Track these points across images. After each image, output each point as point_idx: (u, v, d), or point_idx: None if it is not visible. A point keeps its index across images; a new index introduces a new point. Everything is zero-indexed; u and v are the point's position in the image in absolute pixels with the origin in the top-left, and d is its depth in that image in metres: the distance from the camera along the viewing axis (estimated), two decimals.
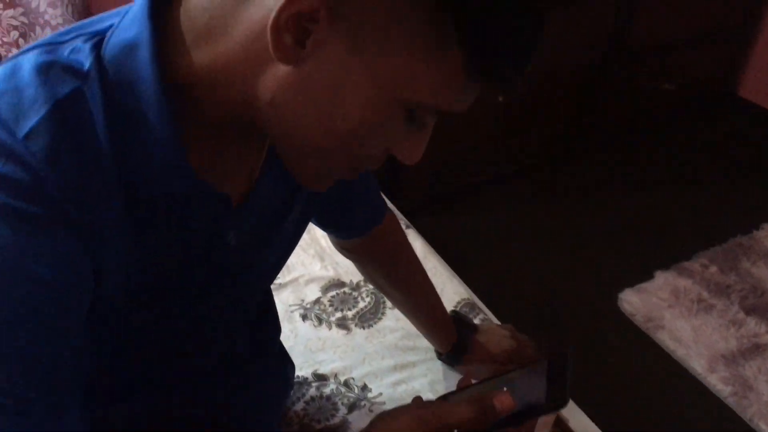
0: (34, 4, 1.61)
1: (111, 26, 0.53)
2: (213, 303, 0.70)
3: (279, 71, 0.50)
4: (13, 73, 0.50)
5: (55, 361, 0.51)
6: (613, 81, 2.42)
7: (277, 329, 0.92)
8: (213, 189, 0.58)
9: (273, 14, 0.47)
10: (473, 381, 0.72)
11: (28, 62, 0.50)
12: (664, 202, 2.31)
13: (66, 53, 0.51)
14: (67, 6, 1.65)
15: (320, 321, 1.19)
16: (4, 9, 1.58)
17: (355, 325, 1.18)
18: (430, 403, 0.62)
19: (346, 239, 0.97)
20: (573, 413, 1.10)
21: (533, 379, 0.65)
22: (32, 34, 1.64)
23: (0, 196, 0.46)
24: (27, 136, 0.47)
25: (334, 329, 1.17)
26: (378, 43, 0.49)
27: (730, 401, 1.62)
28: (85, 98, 0.50)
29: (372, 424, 0.60)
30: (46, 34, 1.65)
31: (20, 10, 1.60)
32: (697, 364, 1.70)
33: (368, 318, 1.19)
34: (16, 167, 0.47)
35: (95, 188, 0.50)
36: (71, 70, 0.50)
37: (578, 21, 2.16)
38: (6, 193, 0.46)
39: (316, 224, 0.91)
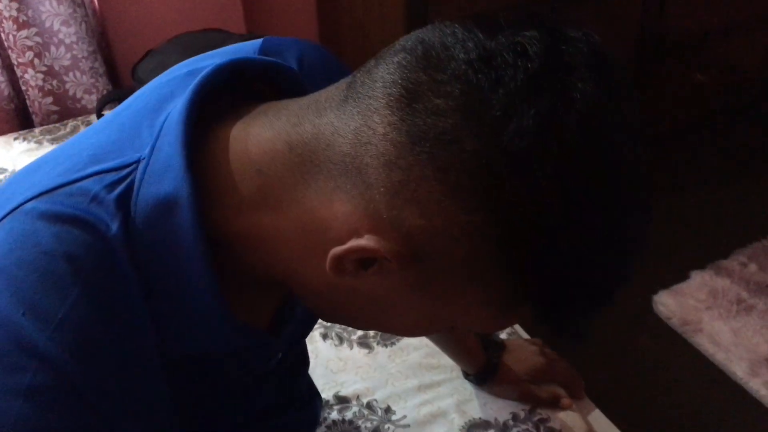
0: (47, 24, 1.60)
1: (136, 162, 0.46)
2: (246, 401, 0.67)
3: (330, 276, 0.46)
4: (30, 237, 0.43)
5: None
6: (646, 76, 2.35)
7: (307, 367, 0.89)
8: (259, 337, 0.55)
9: (337, 249, 0.43)
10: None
11: (42, 221, 0.43)
12: (700, 200, 2.23)
13: (85, 204, 0.45)
14: (81, 24, 1.64)
15: (341, 340, 1.15)
16: (18, 30, 1.58)
17: (377, 343, 1.14)
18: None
19: None
20: (607, 430, 1.05)
21: None
22: (47, 53, 1.63)
23: (38, 411, 0.41)
24: (57, 328, 0.42)
25: (356, 348, 1.14)
26: (445, 290, 0.46)
27: None
28: (114, 268, 0.44)
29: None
30: (60, 54, 1.64)
31: (34, 30, 1.60)
32: (738, 368, 1.63)
33: (390, 336, 1.15)
34: (50, 375, 0.41)
35: (134, 367, 0.46)
36: (97, 232, 0.44)
37: (607, 15, 2.10)
38: (43, 405, 0.41)
39: None
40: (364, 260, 0.44)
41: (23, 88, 1.70)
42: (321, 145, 0.44)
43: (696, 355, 1.70)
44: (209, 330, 0.48)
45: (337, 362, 1.11)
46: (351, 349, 1.14)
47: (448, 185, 0.41)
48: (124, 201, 0.45)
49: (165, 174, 0.45)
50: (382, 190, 0.42)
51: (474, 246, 0.42)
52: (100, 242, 0.43)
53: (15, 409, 0.40)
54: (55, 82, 1.69)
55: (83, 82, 1.71)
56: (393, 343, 1.14)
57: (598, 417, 1.07)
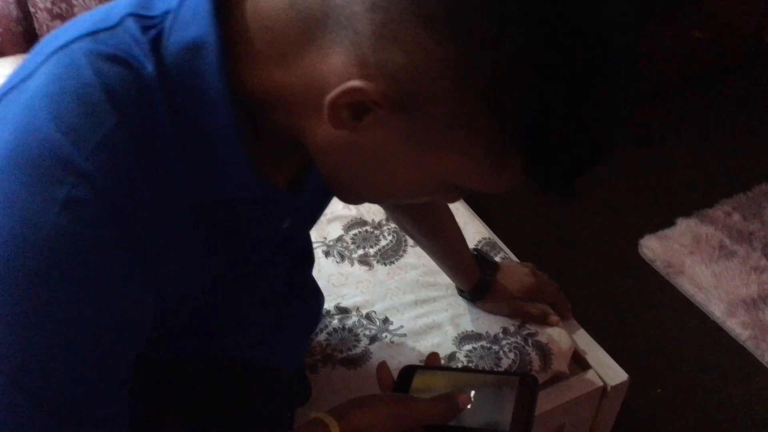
0: None
1: (166, 12, 0.49)
2: (264, 273, 0.72)
3: (331, 128, 0.50)
4: (73, 69, 0.47)
5: (112, 378, 0.51)
6: (644, 31, 2.38)
7: (312, 263, 0.94)
8: (277, 190, 0.59)
9: (331, 93, 0.46)
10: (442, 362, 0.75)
11: (86, 57, 0.47)
12: (690, 152, 2.29)
13: (123, 43, 0.48)
14: None
15: (342, 257, 1.21)
16: None
17: (377, 262, 1.20)
18: (401, 397, 0.64)
19: None
20: (591, 347, 1.12)
21: (500, 393, 0.67)
22: None
23: (73, 221, 0.45)
24: (95, 151, 0.45)
25: (357, 265, 1.19)
26: (437, 139, 0.49)
27: (749, 344, 1.63)
28: (150, 105, 0.48)
29: (345, 410, 0.61)
30: None
31: None
32: (716, 309, 1.71)
33: (390, 255, 1.21)
34: (87, 190, 0.45)
35: (164, 202, 0.49)
36: (134, 70, 0.47)
37: None
38: (79, 217, 0.45)
39: None
40: (357, 108, 0.47)
41: (32, 10, 1.71)
42: (317, 1, 0.47)
43: (677, 296, 1.78)
44: (230, 173, 0.52)
45: (339, 277, 1.17)
46: (352, 266, 1.19)
47: (423, 17, 0.44)
48: (156, 45, 0.48)
49: (193, 20, 0.47)
50: (368, 34, 0.45)
51: (454, 86, 0.45)
52: (137, 79, 0.47)
53: (51, 217, 0.43)
54: (63, 6, 1.70)
55: (91, 6, 1.72)
56: (392, 262, 1.20)
57: (582, 335, 1.14)
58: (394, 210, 1.03)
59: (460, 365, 1.02)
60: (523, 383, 0.67)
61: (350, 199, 0.62)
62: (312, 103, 0.49)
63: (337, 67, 0.47)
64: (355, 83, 0.46)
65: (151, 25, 0.49)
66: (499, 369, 1.01)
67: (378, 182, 0.53)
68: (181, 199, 0.51)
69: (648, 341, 1.67)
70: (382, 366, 0.70)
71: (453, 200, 0.60)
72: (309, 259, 0.92)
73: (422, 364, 0.74)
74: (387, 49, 0.45)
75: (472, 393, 0.67)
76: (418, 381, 0.70)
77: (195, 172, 0.51)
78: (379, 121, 0.48)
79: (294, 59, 0.48)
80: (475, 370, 0.74)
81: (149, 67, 0.47)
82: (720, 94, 2.57)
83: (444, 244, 1.05)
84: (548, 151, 0.48)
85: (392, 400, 0.62)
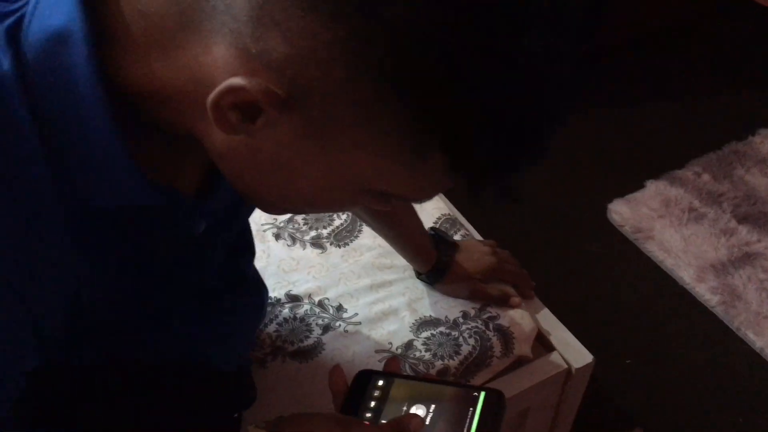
0: None
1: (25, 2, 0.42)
2: (188, 274, 0.66)
3: (222, 133, 0.43)
4: None
5: None
6: None
7: (252, 255, 0.87)
8: (178, 195, 0.52)
9: (212, 95, 0.40)
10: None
11: None
12: (657, 112, 2.23)
13: None
14: None
15: (294, 240, 1.14)
16: None
17: (331, 244, 1.13)
18: (345, 420, 0.59)
19: None
20: (555, 328, 1.07)
21: (462, 409, 0.62)
22: None
23: None
24: None
25: (309, 248, 1.13)
26: (340, 139, 0.42)
27: (718, 310, 1.60)
28: (6, 108, 0.41)
29: (282, 426, 0.57)
30: None
31: None
32: (686, 274, 1.67)
33: (344, 236, 1.15)
34: None
35: (27, 214, 0.43)
36: None
37: None
38: None
39: None
40: (245, 110, 0.41)
41: None
42: None
43: (647, 262, 1.74)
44: (113, 180, 0.46)
45: (290, 261, 1.10)
46: (304, 249, 1.13)
47: None
48: (14, 35, 0.41)
49: (56, 6, 0.41)
50: (245, 19, 0.39)
51: (347, 74, 0.39)
52: None
53: None
54: None
55: None
56: (346, 244, 1.13)
57: (546, 315, 1.09)
58: None
59: (417, 354, 0.97)
60: (489, 398, 0.62)
61: (267, 209, 0.55)
62: (200, 103, 0.42)
63: (221, 60, 0.40)
64: (235, 81, 0.39)
65: (7, 12, 0.41)
66: (457, 360, 0.97)
67: (289, 191, 0.47)
68: (52, 216, 0.44)
69: (617, 309, 1.63)
70: (336, 370, 0.64)
71: (384, 208, 0.51)
72: (248, 250, 0.85)
73: (380, 370, 0.68)
74: (267, 37, 0.38)
75: (432, 406, 0.63)
76: (373, 389, 0.65)
77: (70, 180, 0.44)
78: (273, 121, 0.41)
79: (174, 50, 0.42)
80: (438, 381, 0.69)
81: (4, 63, 0.40)
82: (688, 51, 2.51)
83: (398, 227, 0.99)
84: (466, 137, 0.41)
85: (335, 422, 0.56)
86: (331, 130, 0.42)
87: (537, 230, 1.80)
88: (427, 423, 0.61)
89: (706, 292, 1.63)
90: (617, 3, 2.36)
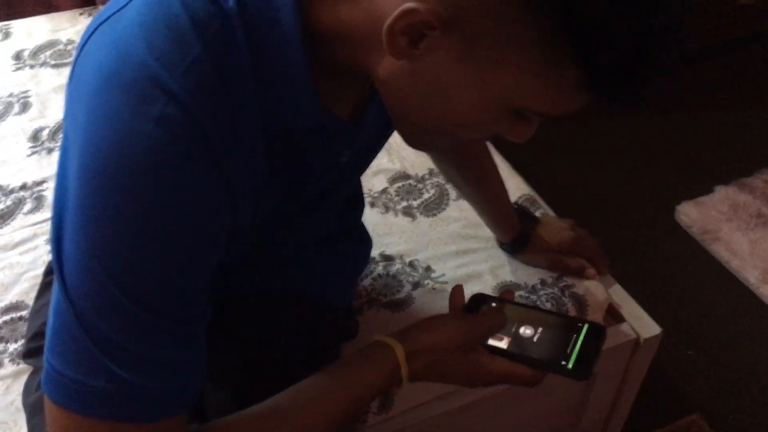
0: None
1: None
2: (321, 208, 0.76)
3: (393, 59, 0.53)
4: (164, 1, 0.51)
5: (195, 283, 0.56)
6: None
7: (362, 207, 0.99)
8: (339, 120, 0.62)
9: (389, 20, 0.49)
10: (513, 299, 0.78)
11: None
12: (730, 120, 2.28)
13: None
14: None
15: (387, 208, 1.25)
16: None
17: (420, 213, 1.24)
18: (463, 316, 0.71)
19: None
20: (625, 301, 1.15)
21: (567, 334, 0.69)
22: None
23: (165, 135, 0.48)
24: (183, 74, 0.49)
25: (400, 216, 1.24)
26: (490, 55, 0.50)
27: None
28: (231, 36, 0.51)
29: (408, 332, 0.68)
30: None
31: None
32: (751, 275, 1.72)
33: (432, 208, 1.25)
34: (176, 108, 0.49)
35: (241, 126, 0.53)
36: (217, 5, 0.51)
37: None
38: (170, 132, 0.49)
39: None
40: (413, 35, 0.50)
41: None
42: None
43: (713, 262, 1.79)
44: (300, 103, 0.56)
45: (383, 227, 1.21)
46: (396, 216, 1.24)
47: None
48: None
49: None
50: None
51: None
52: (219, 12, 0.51)
53: (147, 131, 0.48)
54: None
55: None
56: (434, 215, 1.24)
57: (617, 290, 1.17)
58: (441, 159, 1.07)
59: None
60: (591, 329, 0.69)
61: (415, 137, 0.64)
62: (374, 36, 0.52)
63: None
64: (409, 5, 0.48)
65: None
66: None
67: (441, 110, 0.55)
68: (255, 124, 0.55)
69: (681, 304, 1.69)
70: (457, 288, 0.76)
71: (524, 134, 0.59)
72: (360, 202, 0.97)
73: (496, 296, 0.77)
74: None
75: (540, 329, 0.69)
76: (487, 309, 0.74)
77: (268, 100, 0.55)
78: (434, 44, 0.50)
79: None
80: (545, 311, 0.78)
81: (231, 2, 0.51)
82: (764, 60, 2.54)
83: (487, 194, 1.09)
84: (598, 48, 0.48)
85: (453, 319, 0.67)
86: (484, 49, 0.50)
87: (608, 224, 1.88)
88: (534, 341, 0.68)
89: None
90: (701, 10, 2.42)
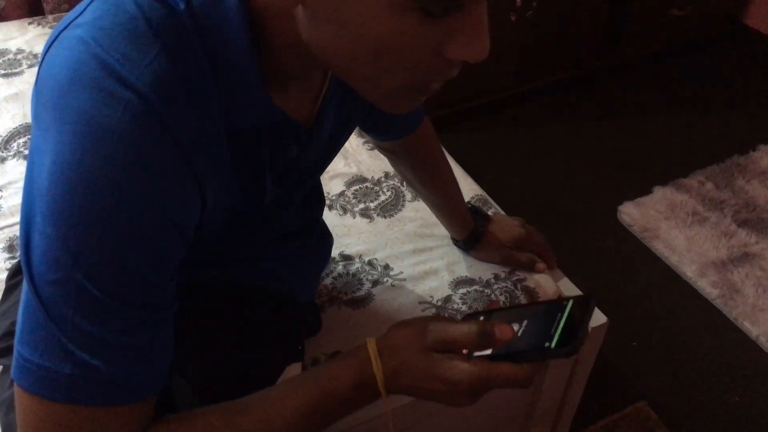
0: None
1: None
2: (277, 206, 0.79)
3: (298, 13, 0.55)
4: (119, 6, 0.53)
5: (164, 272, 0.58)
6: (628, 5, 2.48)
7: (323, 205, 1.02)
8: (286, 115, 0.64)
9: None
10: (501, 305, 0.74)
11: None
12: (667, 124, 2.40)
13: None
14: None
15: (345, 210, 1.29)
16: None
17: (377, 215, 1.28)
18: (436, 317, 0.67)
19: (385, 141, 1.06)
20: (574, 294, 1.21)
21: (551, 317, 0.63)
22: None
23: (133, 126, 0.51)
24: (143, 72, 0.51)
25: (358, 218, 1.28)
26: None
27: (718, 303, 1.74)
28: (185, 37, 0.54)
29: (387, 331, 0.66)
30: None
31: None
32: (689, 270, 1.82)
33: (389, 209, 1.30)
34: (139, 103, 0.51)
35: (206, 123, 0.56)
36: (169, 7, 0.53)
37: None
38: (136, 122, 0.51)
39: (360, 128, 0.99)
40: None
41: None
42: None
43: (653, 258, 1.89)
44: (251, 100, 0.59)
45: (342, 228, 1.25)
46: (354, 218, 1.28)
47: None
48: None
49: None
50: None
51: None
52: (172, 14, 0.54)
53: (116, 121, 0.51)
54: None
55: None
56: (391, 215, 1.28)
57: (566, 283, 1.23)
58: (398, 161, 1.11)
59: (455, 306, 1.11)
60: (576, 302, 0.64)
61: (381, 98, 0.60)
62: (285, 4, 0.54)
63: None
64: None
65: None
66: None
67: (354, 41, 0.53)
68: (216, 119, 0.58)
69: (625, 298, 1.77)
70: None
71: (471, 35, 0.53)
72: (320, 199, 1.00)
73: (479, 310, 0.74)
74: None
75: (525, 321, 0.65)
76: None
77: (224, 100, 0.58)
78: None
79: None
80: (533, 303, 0.70)
81: (181, 5, 0.54)
82: (700, 67, 2.69)
83: (442, 193, 1.14)
84: None
85: (433, 318, 0.66)
86: None
87: (552, 227, 1.95)
88: (518, 336, 0.63)
89: (707, 285, 1.77)
90: (638, 19, 2.54)
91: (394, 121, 0.99)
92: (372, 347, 0.65)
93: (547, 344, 0.61)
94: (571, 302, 0.64)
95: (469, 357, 0.63)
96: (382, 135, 1.04)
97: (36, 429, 0.57)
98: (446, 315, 1.09)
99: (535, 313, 0.66)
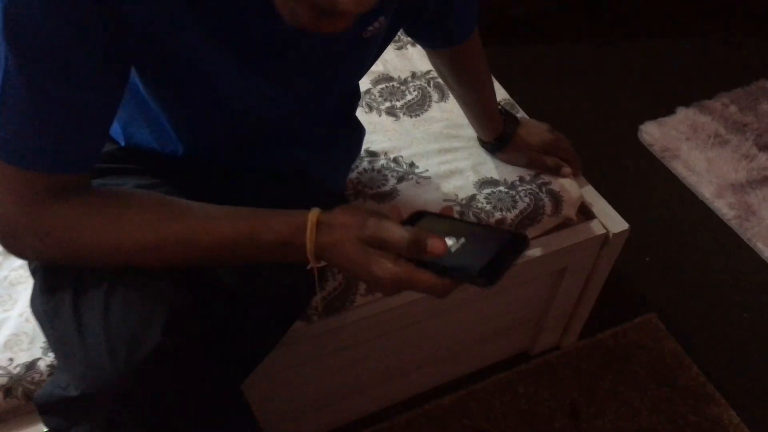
0: None
1: None
2: (296, 87, 0.76)
3: None
4: None
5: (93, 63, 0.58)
6: None
7: (358, 98, 1.01)
8: None
9: None
10: (454, 213, 0.74)
11: None
12: (695, 44, 2.35)
13: None
14: None
15: (371, 108, 1.28)
16: None
17: (403, 114, 1.27)
18: (377, 213, 0.66)
19: (433, 48, 1.05)
20: (596, 200, 1.22)
21: (486, 244, 0.65)
22: None
23: None
24: None
25: (384, 116, 1.27)
26: None
27: (733, 223, 1.75)
28: None
29: (332, 209, 0.66)
30: None
31: None
32: (706, 191, 1.82)
33: (415, 109, 1.29)
34: None
35: None
36: None
37: None
38: None
39: (406, 34, 0.96)
40: None
41: None
42: None
43: (671, 178, 1.88)
44: None
45: (368, 125, 1.23)
46: (380, 116, 1.27)
47: None
48: None
49: None
50: None
51: None
52: None
53: None
54: None
55: None
56: (417, 115, 1.27)
57: (589, 190, 1.23)
58: (436, 56, 1.10)
59: (479, 205, 1.11)
60: (514, 238, 0.66)
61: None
62: None
63: None
64: None
65: None
66: (513, 213, 1.11)
67: None
68: None
69: (640, 215, 1.78)
70: (393, 208, 0.73)
71: None
72: (356, 95, 1.00)
73: (436, 212, 0.75)
74: None
75: (462, 240, 0.66)
76: (423, 223, 0.72)
77: None
78: None
79: None
80: (477, 224, 0.72)
81: None
82: None
83: (477, 92, 1.12)
84: None
85: (369, 211, 0.66)
86: None
87: (574, 145, 1.93)
88: (452, 252, 0.65)
89: (723, 206, 1.77)
90: None
91: (443, 29, 0.98)
92: (312, 219, 0.65)
93: (471, 269, 0.62)
94: (508, 237, 0.66)
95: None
96: (430, 43, 1.03)
97: None
98: (470, 213, 1.10)
99: (474, 235, 0.67)
